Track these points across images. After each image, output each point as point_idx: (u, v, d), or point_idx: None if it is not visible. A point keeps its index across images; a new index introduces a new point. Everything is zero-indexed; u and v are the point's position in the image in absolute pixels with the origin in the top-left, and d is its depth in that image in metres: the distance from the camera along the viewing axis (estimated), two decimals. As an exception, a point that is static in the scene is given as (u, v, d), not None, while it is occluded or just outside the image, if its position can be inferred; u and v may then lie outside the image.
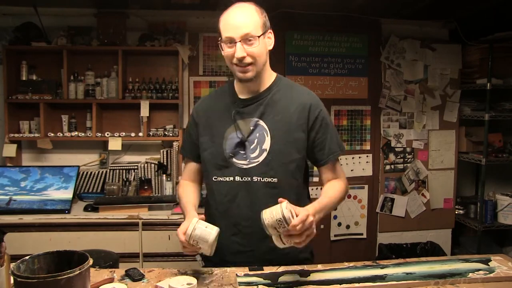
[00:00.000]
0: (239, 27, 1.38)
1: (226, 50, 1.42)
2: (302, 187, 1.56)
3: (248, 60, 1.40)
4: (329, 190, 1.50)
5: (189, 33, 3.18)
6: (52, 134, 3.00)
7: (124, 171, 3.12)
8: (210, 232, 1.30)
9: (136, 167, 3.11)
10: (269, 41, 1.48)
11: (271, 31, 1.49)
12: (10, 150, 2.97)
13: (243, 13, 1.42)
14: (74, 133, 3.04)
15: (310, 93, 1.54)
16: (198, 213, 1.43)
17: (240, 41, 1.38)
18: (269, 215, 1.21)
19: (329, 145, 1.50)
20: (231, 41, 1.39)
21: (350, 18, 3.13)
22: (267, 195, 1.44)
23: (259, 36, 1.40)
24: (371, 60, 3.27)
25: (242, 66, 1.41)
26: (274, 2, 2.90)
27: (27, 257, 1.16)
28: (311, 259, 1.61)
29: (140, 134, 3.06)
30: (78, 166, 2.96)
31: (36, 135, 3.02)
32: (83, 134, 3.04)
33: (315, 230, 1.28)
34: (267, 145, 1.46)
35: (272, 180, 1.46)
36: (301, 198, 1.52)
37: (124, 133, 3.02)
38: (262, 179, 1.46)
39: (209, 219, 1.49)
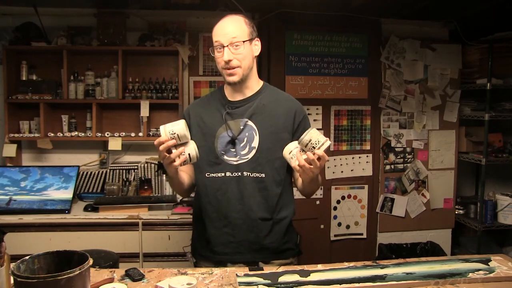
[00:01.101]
0: (227, 33, 1.55)
1: (216, 55, 1.58)
2: (287, 183, 1.69)
3: (235, 63, 1.56)
4: None
5: (189, 33, 3.18)
6: (52, 134, 3.00)
7: (124, 171, 3.12)
8: (178, 121, 1.46)
9: (136, 167, 3.11)
10: (255, 47, 1.63)
11: (258, 39, 1.65)
12: (10, 150, 2.97)
13: (231, 22, 1.58)
14: (74, 133, 3.04)
15: (294, 99, 1.72)
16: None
17: (227, 45, 1.54)
18: (316, 133, 1.39)
19: None
20: (220, 46, 1.55)
21: (350, 18, 3.13)
22: (256, 189, 1.60)
23: (244, 41, 1.56)
24: (371, 60, 3.26)
25: (229, 69, 1.57)
26: (274, 2, 2.90)
27: (27, 257, 1.16)
28: (295, 249, 1.73)
29: (140, 134, 3.06)
30: (78, 166, 2.96)
31: (36, 135, 3.02)
32: (83, 134, 3.04)
33: (314, 173, 1.42)
34: (255, 143, 1.61)
35: (260, 175, 1.60)
36: (286, 193, 1.68)
37: (124, 133, 3.02)
38: (251, 174, 1.60)
39: (201, 212, 1.67)
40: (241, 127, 1.61)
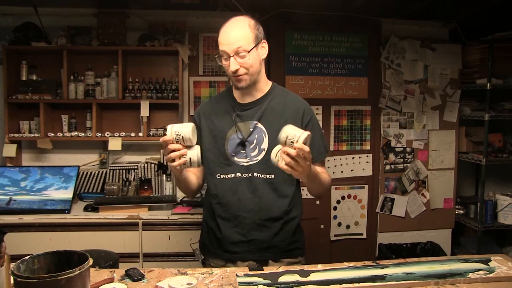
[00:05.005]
0: (232, 42, 1.53)
1: (223, 62, 1.58)
2: (295, 184, 1.70)
3: (242, 71, 1.56)
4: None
5: (189, 33, 3.17)
6: (52, 134, 3.00)
7: (124, 171, 3.12)
8: (187, 123, 1.47)
9: (136, 167, 3.11)
10: (262, 51, 1.62)
11: (264, 41, 1.63)
12: (10, 150, 2.97)
13: (236, 29, 1.55)
14: (74, 133, 3.04)
15: (302, 100, 1.72)
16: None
17: (233, 55, 1.53)
18: (291, 128, 1.37)
19: (317, 147, 1.67)
20: (226, 55, 1.55)
21: (350, 18, 3.13)
22: (266, 190, 1.62)
23: (249, 50, 1.54)
24: (371, 60, 3.26)
25: (237, 76, 1.57)
26: (274, 2, 2.90)
27: (27, 257, 1.16)
28: (303, 248, 1.75)
29: (140, 134, 3.06)
30: (78, 166, 2.96)
31: (36, 135, 3.02)
32: (83, 134, 3.04)
33: (304, 168, 1.38)
34: (265, 145, 1.62)
35: (270, 176, 1.63)
36: (296, 193, 1.70)
37: (124, 133, 3.02)
38: (261, 175, 1.62)
39: (211, 211, 1.69)
40: (251, 129, 1.63)
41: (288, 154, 1.34)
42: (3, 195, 2.75)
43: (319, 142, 1.70)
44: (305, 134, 1.34)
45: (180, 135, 1.43)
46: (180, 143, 1.45)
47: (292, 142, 1.34)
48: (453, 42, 3.34)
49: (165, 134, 1.47)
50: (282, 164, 1.38)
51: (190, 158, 1.46)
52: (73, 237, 2.62)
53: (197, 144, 1.49)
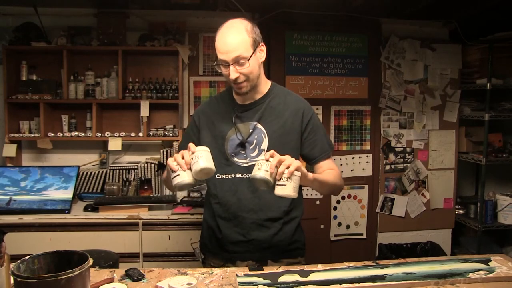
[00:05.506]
0: (230, 51, 1.50)
1: (222, 70, 1.56)
2: None
3: (242, 78, 1.54)
4: (324, 173, 1.67)
5: (189, 33, 3.18)
6: (52, 134, 3.00)
7: (124, 171, 3.11)
8: (210, 165, 1.43)
9: (136, 167, 3.11)
10: (260, 54, 1.59)
11: (262, 44, 1.59)
12: (10, 150, 2.97)
13: (233, 36, 1.51)
14: (74, 133, 3.04)
15: (302, 99, 1.72)
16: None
17: (232, 63, 1.51)
18: (258, 163, 1.42)
19: (320, 145, 1.68)
20: (225, 63, 1.53)
21: (350, 18, 3.13)
22: (266, 190, 1.56)
23: (249, 58, 1.51)
24: (371, 60, 3.26)
25: (237, 84, 1.56)
26: (274, 2, 2.90)
27: (27, 257, 1.16)
28: (303, 248, 1.75)
29: (140, 134, 3.06)
30: (78, 166, 2.96)
31: (36, 135, 3.02)
32: (83, 134, 3.04)
33: (293, 162, 1.38)
34: (265, 145, 1.62)
35: None
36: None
37: (124, 133, 3.02)
38: None
39: (211, 211, 1.69)
40: (250, 130, 1.63)
41: (276, 165, 1.37)
42: (3, 195, 2.75)
43: (322, 140, 1.69)
44: (261, 156, 1.42)
45: (198, 158, 1.39)
46: (191, 160, 1.41)
47: (267, 162, 1.39)
48: (453, 42, 3.34)
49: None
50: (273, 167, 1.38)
51: (178, 175, 1.41)
52: (73, 237, 2.62)
53: (193, 178, 1.42)
